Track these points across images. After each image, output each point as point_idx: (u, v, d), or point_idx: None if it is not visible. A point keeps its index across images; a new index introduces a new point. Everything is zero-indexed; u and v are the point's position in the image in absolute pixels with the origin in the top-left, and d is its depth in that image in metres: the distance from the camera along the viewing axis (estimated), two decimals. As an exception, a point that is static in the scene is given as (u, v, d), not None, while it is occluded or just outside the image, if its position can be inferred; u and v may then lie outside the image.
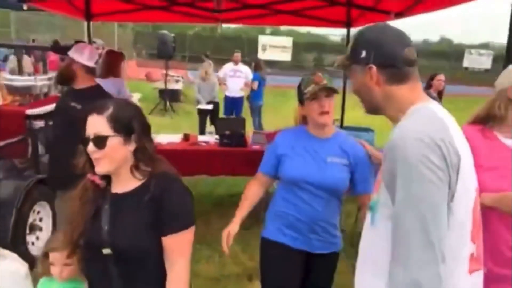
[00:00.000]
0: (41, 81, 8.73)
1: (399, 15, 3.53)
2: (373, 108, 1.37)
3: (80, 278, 1.60)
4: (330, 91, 1.93)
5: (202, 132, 7.05)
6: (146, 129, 1.46)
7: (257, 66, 8.40)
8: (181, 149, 4.48)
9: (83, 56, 2.57)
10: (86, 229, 1.45)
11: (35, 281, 1.78)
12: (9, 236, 3.08)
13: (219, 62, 11.57)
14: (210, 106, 7.42)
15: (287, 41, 19.11)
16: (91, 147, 1.37)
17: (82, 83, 2.64)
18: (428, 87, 5.58)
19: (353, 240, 3.86)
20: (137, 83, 13.25)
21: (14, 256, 2.07)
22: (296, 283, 2.11)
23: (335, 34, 45.89)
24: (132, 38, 27.47)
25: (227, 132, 4.68)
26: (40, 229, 3.50)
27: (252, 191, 2.17)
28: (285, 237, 2.05)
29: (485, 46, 31.88)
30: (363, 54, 1.29)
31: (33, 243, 3.39)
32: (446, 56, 32.65)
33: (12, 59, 10.04)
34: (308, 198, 1.99)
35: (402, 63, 1.26)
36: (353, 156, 2.01)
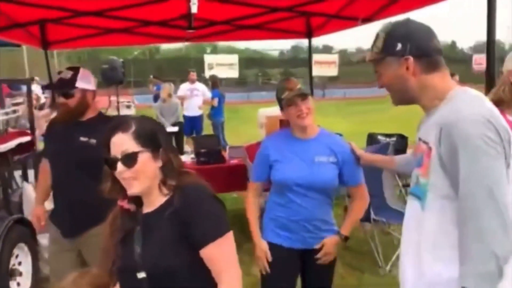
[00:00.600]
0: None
1: (366, 20, 3.70)
2: (406, 99, 1.44)
3: None
4: (304, 95, 2.00)
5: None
6: (170, 143, 1.43)
7: (214, 83, 8.42)
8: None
9: (91, 83, 2.36)
10: (118, 255, 1.38)
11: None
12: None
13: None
14: (175, 128, 7.30)
15: (233, 59, 19.35)
16: (120, 167, 1.31)
17: (92, 112, 2.39)
18: None
19: (356, 250, 3.96)
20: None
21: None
22: (294, 281, 2.19)
23: (274, 49, 47.26)
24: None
25: (204, 150, 4.62)
26: (20, 274, 3.22)
27: (253, 204, 2.23)
28: (280, 238, 2.11)
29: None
30: (399, 46, 1.36)
31: (15, 291, 3.11)
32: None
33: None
34: (300, 199, 2.04)
35: (434, 52, 1.37)
36: (340, 152, 2.08)
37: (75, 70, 2.32)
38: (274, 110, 5.74)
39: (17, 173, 3.88)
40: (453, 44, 60.34)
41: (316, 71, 21.57)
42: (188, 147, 8.56)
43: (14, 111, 6.88)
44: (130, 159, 1.31)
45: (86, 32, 4.39)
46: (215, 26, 4.37)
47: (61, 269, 2.19)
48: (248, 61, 30.35)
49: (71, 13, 3.46)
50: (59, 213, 2.42)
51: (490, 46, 2.26)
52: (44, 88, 6.24)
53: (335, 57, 18.03)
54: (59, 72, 2.46)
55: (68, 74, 2.29)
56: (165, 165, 1.36)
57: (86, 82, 2.32)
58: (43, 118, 6.23)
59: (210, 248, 1.31)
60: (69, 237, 2.39)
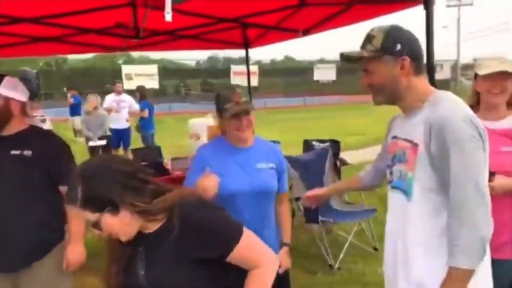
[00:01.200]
0: None
1: (306, 32, 3.90)
2: (392, 98, 1.55)
3: None
4: (247, 111, 1.97)
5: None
6: (133, 187, 1.24)
7: (143, 94, 8.16)
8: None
9: (19, 93, 2.18)
10: (120, 282, 1.33)
11: None
12: None
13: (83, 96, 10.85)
14: (103, 142, 6.93)
15: (153, 69, 18.91)
16: (96, 231, 1.28)
17: (18, 125, 2.14)
18: None
19: (306, 252, 4.09)
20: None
21: None
22: None
23: (191, 59, 47.02)
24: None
25: (145, 163, 4.47)
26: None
27: None
28: None
29: (321, 61, 36.48)
30: (398, 47, 1.48)
31: None
32: (294, 72, 36.28)
33: None
34: (250, 209, 2.00)
35: (422, 57, 1.54)
36: (277, 159, 2.13)
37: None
38: (205, 121, 5.78)
39: None
40: (358, 56, 65.11)
41: (236, 81, 22.00)
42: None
43: None
44: (96, 226, 1.25)
45: (10, 41, 4.02)
46: (155, 37, 4.27)
47: None
48: (165, 71, 29.77)
49: (5, 19, 3.16)
50: None
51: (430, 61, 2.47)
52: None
53: (255, 68, 18.55)
54: None
55: None
56: (139, 211, 1.25)
57: (11, 90, 2.10)
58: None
59: (234, 253, 1.30)
60: (5, 271, 2.11)
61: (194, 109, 22.85)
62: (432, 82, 2.65)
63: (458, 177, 1.37)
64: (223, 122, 2.04)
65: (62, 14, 3.36)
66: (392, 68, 1.49)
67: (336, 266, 3.86)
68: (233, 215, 1.77)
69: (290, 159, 4.16)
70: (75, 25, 3.69)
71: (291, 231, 2.26)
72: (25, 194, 2.08)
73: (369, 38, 1.53)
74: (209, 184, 1.89)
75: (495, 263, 1.97)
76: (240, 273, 1.33)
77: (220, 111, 2.02)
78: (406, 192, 1.52)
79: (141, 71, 18.49)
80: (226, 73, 27.52)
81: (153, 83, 17.14)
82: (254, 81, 19.56)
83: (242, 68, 22.97)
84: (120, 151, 8.37)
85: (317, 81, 21.13)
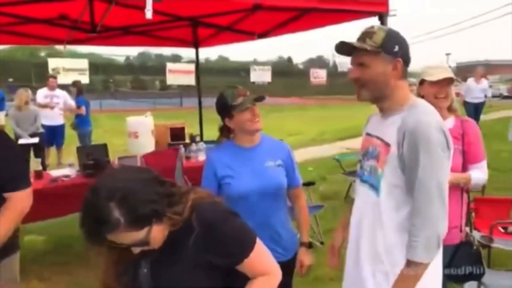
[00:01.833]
0: None
1: (261, 36, 4.02)
2: (379, 95, 1.61)
3: None
4: (259, 99, 2.03)
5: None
6: (166, 193, 1.21)
7: (80, 89, 7.74)
8: (41, 189, 3.86)
9: None
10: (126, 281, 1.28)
11: None
12: None
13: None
14: (35, 140, 6.47)
15: (83, 63, 17.84)
16: (135, 249, 1.20)
17: None
18: None
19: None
20: None
21: None
22: None
23: (120, 54, 45.08)
24: None
25: (90, 162, 4.29)
26: None
27: None
28: None
29: (255, 62, 37.07)
30: (396, 48, 1.55)
31: None
32: (230, 72, 36.33)
33: None
34: (259, 209, 2.02)
35: (409, 63, 1.63)
36: (283, 154, 2.13)
37: None
38: (142, 119, 5.68)
39: None
40: (290, 59, 67.32)
41: (172, 79, 21.52)
42: (60, 158, 7.69)
43: None
44: (142, 244, 1.18)
45: None
46: (107, 31, 4.13)
47: None
48: (94, 66, 28.36)
49: None
50: None
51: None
52: None
53: (192, 67, 18.26)
54: None
55: None
56: (171, 216, 1.21)
57: None
58: None
59: (242, 265, 1.30)
60: None
61: (125, 107, 22.10)
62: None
63: (424, 179, 1.48)
64: (233, 120, 2.02)
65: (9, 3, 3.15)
66: (386, 67, 1.55)
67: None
68: (244, 216, 1.78)
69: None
70: (20, 14, 3.47)
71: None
72: None
73: (368, 34, 1.56)
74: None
75: None
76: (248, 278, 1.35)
77: (228, 111, 2.01)
78: (375, 187, 1.63)
79: (71, 65, 17.34)
80: (159, 70, 26.82)
81: (83, 79, 16.13)
82: (191, 80, 19.31)
83: (178, 66, 22.64)
84: (53, 150, 7.89)
85: (253, 82, 21.44)
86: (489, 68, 22.88)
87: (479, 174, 2.25)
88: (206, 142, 5.09)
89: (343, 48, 1.63)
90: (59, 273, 3.75)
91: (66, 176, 4.19)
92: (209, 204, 1.31)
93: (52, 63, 17.17)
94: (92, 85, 23.30)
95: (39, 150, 6.70)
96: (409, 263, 1.50)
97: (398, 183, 1.56)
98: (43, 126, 7.14)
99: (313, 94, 28.85)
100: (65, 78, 16.60)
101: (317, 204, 4.53)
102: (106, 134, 12.21)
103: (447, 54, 41.43)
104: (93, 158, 4.35)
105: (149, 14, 1.83)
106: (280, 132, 11.19)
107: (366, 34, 1.57)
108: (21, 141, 6.38)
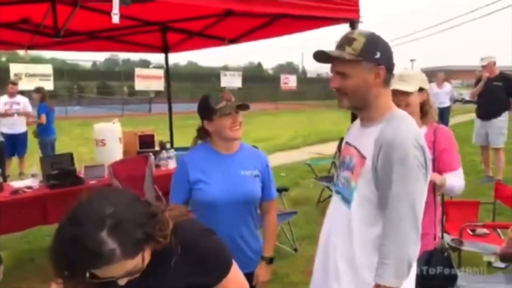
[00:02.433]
0: None
1: (232, 41, 3.97)
2: (361, 105, 1.53)
3: None
4: (243, 107, 1.97)
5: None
6: (151, 213, 1.10)
7: (43, 96, 7.43)
8: (1, 202, 3.65)
9: None
10: None
11: None
12: None
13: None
14: (-7, 149, 6.16)
15: (47, 69, 17.25)
16: (123, 281, 1.07)
17: None
18: None
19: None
20: None
21: None
22: None
23: (87, 60, 43.98)
24: None
25: (54, 172, 4.09)
26: None
27: None
28: None
29: (225, 68, 36.97)
30: (378, 55, 1.46)
31: None
32: (200, 77, 36.07)
33: None
34: (229, 218, 1.96)
35: (393, 69, 1.56)
36: (261, 165, 2.08)
37: None
38: (110, 126, 5.52)
39: None
40: (260, 65, 67.69)
41: (141, 85, 21.14)
42: (22, 168, 7.32)
43: None
44: (134, 273, 1.06)
45: None
46: (72, 36, 3.98)
47: None
48: (59, 72, 27.48)
49: None
50: None
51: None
52: None
53: (161, 72, 18.01)
54: None
55: None
56: (157, 238, 1.10)
57: None
58: None
59: (222, 284, 1.26)
60: None
61: (92, 113, 21.49)
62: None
63: (397, 198, 1.40)
64: (213, 124, 1.97)
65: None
66: (367, 75, 1.47)
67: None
68: (214, 223, 1.67)
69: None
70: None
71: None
72: None
73: (348, 40, 1.47)
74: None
75: None
76: None
77: (208, 113, 1.96)
78: (347, 200, 1.56)
79: (34, 70, 16.73)
80: (126, 75, 26.29)
81: (47, 84, 15.59)
82: (160, 86, 19.02)
83: (147, 71, 22.29)
84: (14, 160, 7.53)
85: (224, 88, 21.36)
86: (450, 73, 23.72)
87: (456, 179, 2.18)
88: (177, 149, 4.99)
89: (321, 56, 1.53)
90: (21, 291, 3.55)
91: (28, 187, 3.98)
92: (186, 223, 1.25)
93: (14, 68, 16.54)
94: (56, 91, 22.56)
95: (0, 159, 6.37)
96: (377, 286, 1.43)
97: (371, 198, 1.50)
98: (3, 134, 6.80)
99: (284, 100, 29.05)
100: (28, 84, 16.01)
101: (290, 210, 4.51)
102: (72, 142, 11.83)
103: (412, 60, 42.78)
104: (58, 168, 4.16)
105: (115, 18, 1.74)
106: (251, 137, 11.17)
107: (346, 41, 1.48)
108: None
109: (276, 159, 8.55)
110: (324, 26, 3.13)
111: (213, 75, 28.44)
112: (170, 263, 1.16)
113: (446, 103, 9.93)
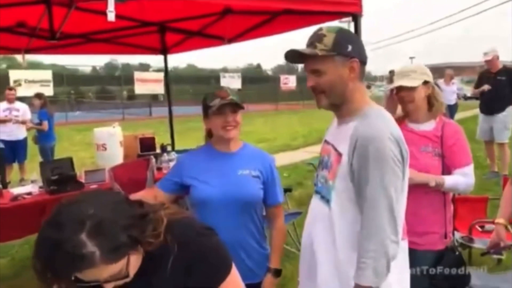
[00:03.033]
0: None
1: (231, 40, 3.91)
2: (339, 101, 1.49)
3: None
4: (235, 106, 1.89)
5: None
6: (139, 214, 1.05)
7: (44, 101, 7.38)
8: (1, 209, 3.58)
9: None
10: None
11: None
12: None
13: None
14: (-7, 156, 6.10)
15: (46, 75, 17.27)
16: (109, 285, 1.01)
17: None
18: None
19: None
20: None
21: None
22: None
23: (86, 65, 43.97)
24: None
25: (54, 177, 4.03)
26: None
27: None
28: None
29: (225, 70, 36.97)
30: (349, 48, 1.44)
31: None
32: (200, 80, 36.04)
33: None
34: (224, 220, 1.83)
35: (366, 63, 1.52)
36: (263, 166, 1.97)
37: None
38: (111, 130, 5.47)
39: None
40: (259, 66, 67.69)
41: (141, 89, 21.11)
42: (23, 174, 7.26)
43: None
44: (118, 279, 1.00)
45: None
46: (68, 39, 3.92)
47: None
48: (59, 77, 27.51)
49: None
50: None
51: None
52: None
53: (160, 75, 18.01)
54: None
55: None
56: (147, 240, 1.05)
57: None
58: None
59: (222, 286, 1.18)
60: None
61: (92, 118, 21.45)
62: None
63: (373, 194, 1.37)
64: (208, 122, 1.94)
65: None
66: (341, 69, 1.45)
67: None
68: (207, 223, 1.58)
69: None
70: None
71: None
72: None
73: (318, 37, 1.45)
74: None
75: (415, 253, 2.18)
76: None
77: (205, 111, 1.93)
78: (326, 199, 1.53)
79: (33, 76, 16.74)
80: (126, 79, 26.28)
81: (47, 90, 15.61)
82: (160, 89, 19.00)
83: (146, 75, 22.28)
84: (15, 166, 7.47)
85: (222, 87, 21.43)
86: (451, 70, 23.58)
87: (460, 178, 2.12)
88: (178, 152, 4.92)
89: (293, 56, 1.50)
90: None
91: (28, 193, 3.91)
92: (182, 221, 1.18)
93: (14, 75, 16.56)
94: (56, 97, 22.55)
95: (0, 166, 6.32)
96: (357, 287, 1.39)
97: (350, 195, 1.45)
98: (3, 141, 6.75)
99: (284, 100, 29.00)
100: (27, 90, 16.01)
101: (294, 211, 4.44)
102: (73, 147, 11.78)
103: (411, 58, 42.76)
104: (58, 173, 4.10)
105: (111, 16, 1.68)
106: (253, 138, 11.12)
107: (316, 38, 1.46)
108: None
109: (278, 160, 8.44)
110: (327, 21, 3.05)
111: (212, 77, 28.42)
112: (167, 263, 1.10)
113: (452, 100, 9.83)
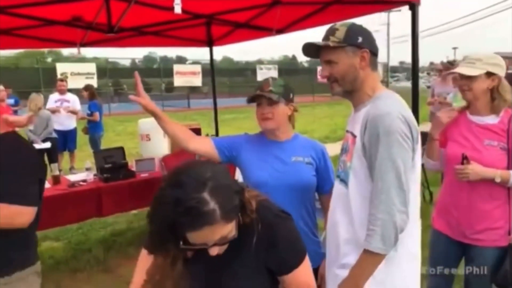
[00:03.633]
0: None
1: (279, 31, 3.90)
2: (351, 88, 1.61)
3: None
4: (269, 100, 1.89)
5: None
6: (241, 189, 1.13)
7: (92, 93, 7.67)
8: (59, 195, 3.78)
9: None
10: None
11: None
12: None
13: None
14: (47, 144, 6.42)
15: (91, 67, 17.92)
16: (213, 250, 1.06)
17: None
18: None
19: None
20: None
21: None
22: None
23: (125, 57, 45.21)
24: None
25: (108, 165, 4.21)
26: None
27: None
28: None
29: (260, 62, 36.93)
30: (360, 39, 1.55)
31: None
32: (236, 72, 36.22)
33: None
34: (279, 204, 1.84)
35: (378, 54, 1.64)
36: (315, 153, 2.01)
37: None
38: (154, 121, 5.61)
39: None
40: (294, 57, 67.16)
41: (179, 81, 21.51)
42: (73, 163, 7.63)
43: None
44: (227, 241, 1.07)
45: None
46: (122, 32, 4.04)
47: None
48: (101, 70, 28.44)
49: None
50: None
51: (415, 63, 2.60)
52: None
53: (197, 68, 18.30)
54: None
55: None
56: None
57: None
58: None
59: (289, 275, 1.21)
60: None
61: (133, 110, 22.03)
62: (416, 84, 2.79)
63: (382, 166, 1.44)
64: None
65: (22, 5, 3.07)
66: (353, 59, 1.56)
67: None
68: None
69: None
70: (33, 15, 3.39)
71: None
72: None
73: (332, 31, 1.57)
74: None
75: (475, 249, 2.13)
76: None
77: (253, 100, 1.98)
78: (344, 181, 1.61)
79: (78, 69, 17.42)
80: (165, 72, 26.78)
81: (91, 82, 16.20)
82: (198, 81, 19.29)
83: (184, 67, 22.66)
84: (66, 154, 7.84)
85: (268, 78, 21.47)
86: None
87: None
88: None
89: (309, 50, 1.64)
90: (79, 280, 3.68)
91: (84, 180, 4.11)
92: (264, 203, 1.22)
93: (60, 68, 17.31)
94: (99, 89, 23.34)
95: (52, 155, 6.63)
96: (365, 252, 1.46)
97: (365, 172, 1.53)
98: (55, 131, 7.10)
99: (320, 92, 28.67)
100: (73, 83, 16.70)
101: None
102: (117, 138, 12.19)
103: (454, 48, 41.07)
104: (111, 162, 4.27)
105: (177, 8, 1.73)
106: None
107: (329, 32, 1.58)
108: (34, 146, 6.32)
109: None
110: (380, 10, 3.00)
111: (248, 69, 28.46)
112: (252, 239, 1.15)
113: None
